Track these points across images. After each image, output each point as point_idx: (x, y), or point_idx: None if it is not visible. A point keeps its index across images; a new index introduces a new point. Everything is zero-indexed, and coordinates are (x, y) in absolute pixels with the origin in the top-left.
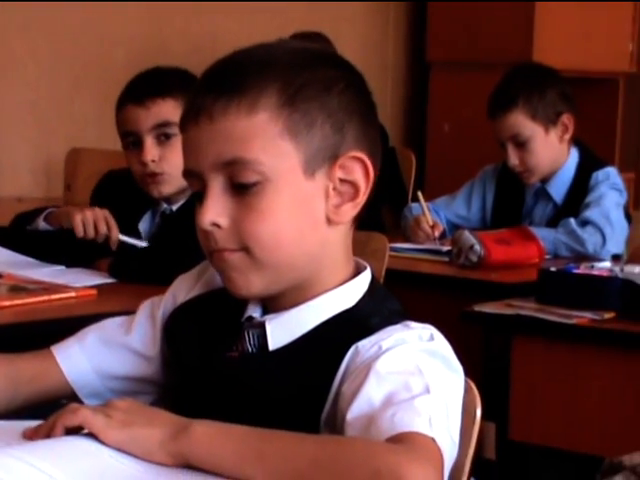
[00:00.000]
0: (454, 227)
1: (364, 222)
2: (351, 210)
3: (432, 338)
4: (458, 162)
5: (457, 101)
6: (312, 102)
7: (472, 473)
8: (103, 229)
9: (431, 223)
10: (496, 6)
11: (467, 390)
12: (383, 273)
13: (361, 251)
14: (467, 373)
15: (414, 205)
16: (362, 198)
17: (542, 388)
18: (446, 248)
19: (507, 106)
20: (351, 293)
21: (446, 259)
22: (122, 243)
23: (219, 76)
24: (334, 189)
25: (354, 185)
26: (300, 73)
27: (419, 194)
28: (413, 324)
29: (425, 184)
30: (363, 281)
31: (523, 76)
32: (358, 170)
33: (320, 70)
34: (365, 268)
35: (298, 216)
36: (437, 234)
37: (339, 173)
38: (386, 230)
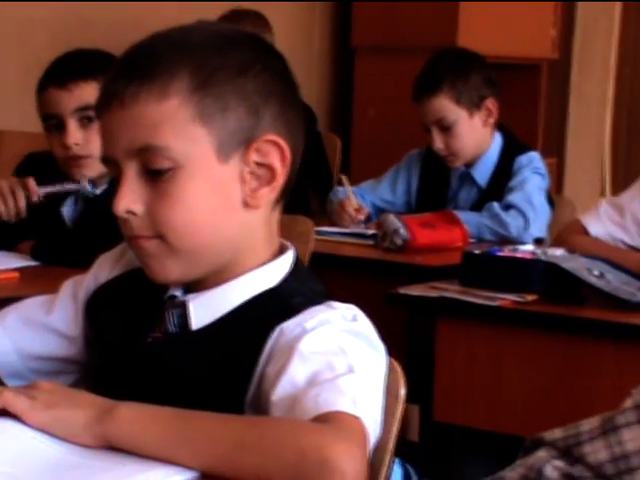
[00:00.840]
0: (379, 211)
1: (290, 206)
2: (269, 193)
3: (355, 318)
4: (384, 146)
5: (382, 86)
6: (225, 85)
7: (396, 453)
8: (20, 197)
9: (356, 207)
10: None
11: (391, 370)
12: (308, 256)
13: (286, 234)
14: (392, 355)
15: (339, 189)
16: (279, 181)
17: (466, 370)
18: (371, 232)
19: (432, 90)
20: (273, 273)
21: (371, 242)
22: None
23: (131, 61)
24: (250, 173)
25: (270, 168)
26: (213, 56)
27: (343, 178)
28: (336, 304)
29: (351, 168)
30: (286, 261)
31: (448, 60)
32: (274, 153)
33: (234, 53)
34: (289, 249)
35: (213, 201)
36: (362, 217)
37: (255, 157)
38: (313, 214)
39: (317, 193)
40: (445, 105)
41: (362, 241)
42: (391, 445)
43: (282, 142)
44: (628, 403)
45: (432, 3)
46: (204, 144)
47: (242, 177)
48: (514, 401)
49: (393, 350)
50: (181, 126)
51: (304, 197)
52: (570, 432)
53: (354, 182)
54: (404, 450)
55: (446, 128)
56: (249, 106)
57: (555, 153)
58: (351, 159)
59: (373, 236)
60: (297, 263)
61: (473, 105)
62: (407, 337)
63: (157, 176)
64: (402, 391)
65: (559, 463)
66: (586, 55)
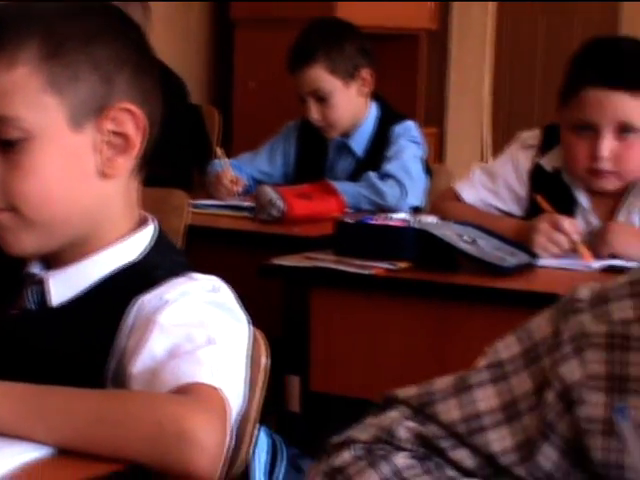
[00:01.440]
0: (258, 183)
1: (171, 180)
2: (125, 163)
3: (216, 289)
4: (264, 119)
5: (262, 58)
6: (76, 54)
7: (275, 423)
8: None
9: (232, 179)
10: None
11: (254, 340)
12: (184, 230)
13: (161, 208)
14: (270, 327)
15: (216, 162)
16: (135, 150)
17: (341, 339)
18: (248, 204)
19: (306, 61)
20: (134, 246)
21: (248, 215)
22: None
23: None
24: (105, 142)
25: (125, 137)
26: (63, 25)
27: (219, 150)
28: (197, 276)
29: (233, 141)
30: (146, 234)
31: (321, 31)
32: (129, 122)
33: (85, 21)
34: (149, 221)
35: (67, 172)
36: (239, 190)
37: (109, 125)
38: (193, 187)
39: (198, 166)
40: (320, 75)
41: (239, 213)
42: (254, 415)
43: (137, 110)
44: (482, 362)
45: None
46: (56, 113)
47: (97, 146)
48: (390, 368)
49: (271, 321)
50: (32, 96)
51: (184, 170)
52: (423, 390)
53: (236, 155)
54: (286, 421)
55: (322, 98)
56: (101, 74)
57: (435, 123)
58: (233, 132)
59: (250, 208)
60: (160, 236)
61: (348, 75)
62: (284, 308)
63: (8, 147)
64: (264, 360)
65: (411, 424)
66: (464, 25)
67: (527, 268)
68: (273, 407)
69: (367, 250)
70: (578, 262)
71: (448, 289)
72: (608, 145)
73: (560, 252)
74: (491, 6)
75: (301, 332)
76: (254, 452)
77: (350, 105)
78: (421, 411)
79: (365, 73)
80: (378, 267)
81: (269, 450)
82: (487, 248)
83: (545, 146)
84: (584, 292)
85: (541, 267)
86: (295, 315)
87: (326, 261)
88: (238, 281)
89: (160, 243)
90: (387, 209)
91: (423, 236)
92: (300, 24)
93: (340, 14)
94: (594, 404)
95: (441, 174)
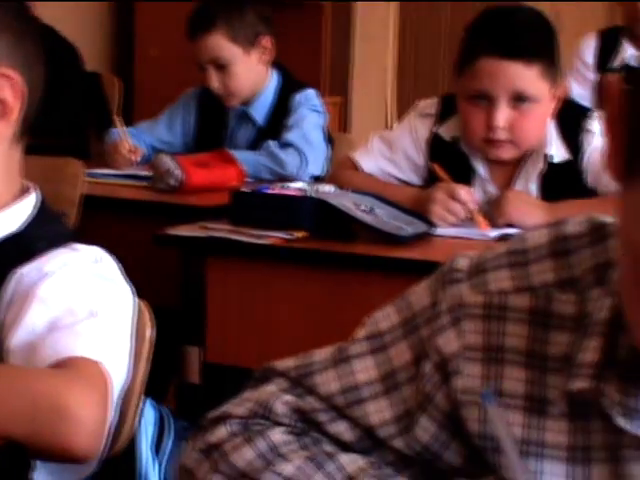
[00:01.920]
0: (158, 152)
1: (69, 148)
2: (3, 129)
3: (99, 260)
4: (166, 87)
5: (163, 25)
6: None
7: (175, 395)
8: None
9: (130, 148)
10: None
11: (139, 312)
12: (79, 199)
13: (55, 177)
14: (169, 298)
15: (113, 130)
16: (14, 116)
17: (238, 309)
18: (146, 173)
19: (206, 28)
20: (15, 217)
21: (146, 184)
22: None
23: None
24: None
25: (3, 102)
26: None
27: (116, 119)
28: (79, 246)
29: (134, 110)
30: (28, 204)
31: None
32: (7, 87)
33: None
34: (31, 190)
35: None
36: (137, 159)
37: None
38: (91, 156)
39: (96, 135)
40: (220, 43)
41: (137, 183)
42: (139, 388)
43: (15, 76)
44: (361, 333)
45: None
46: None
47: None
48: (287, 339)
49: (172, 292)
50: None
51: (80, 139)
52: (302, 362)
53: (137, 123)
54: (186, 393)
55: (222, 66)
56: None
57: (340, 92)
58: (134, 100)
59: (148, 177)
60: (43, 206)
61: (248, 43)
62: (181, 279)
63: None
64: (149, 332)
65: (289, 397)
66: None
67: (424, 237)
68: (173, 378)
69: (264, 220)
70: (475, 231)
71: (345, 258)
72: (503, 115)
73: (457, 221)
74: None
75: (198, 303)
76: (140, 426)
77: (250, 73)
78: (299, 383)
79: (266, 41)
80: (274, 237)
81: (156, 423)
82: (384, 217)
83: (443, 115)
84: (462, 262)
85: (438, 236)
86: (192, 286)
87: (221, 231)
88: (136, 251)
89: (42, 213)
90: (287, 178)
91: (320, 205)
92: None
93: None
94: (471, 375)
95: (343, 143)
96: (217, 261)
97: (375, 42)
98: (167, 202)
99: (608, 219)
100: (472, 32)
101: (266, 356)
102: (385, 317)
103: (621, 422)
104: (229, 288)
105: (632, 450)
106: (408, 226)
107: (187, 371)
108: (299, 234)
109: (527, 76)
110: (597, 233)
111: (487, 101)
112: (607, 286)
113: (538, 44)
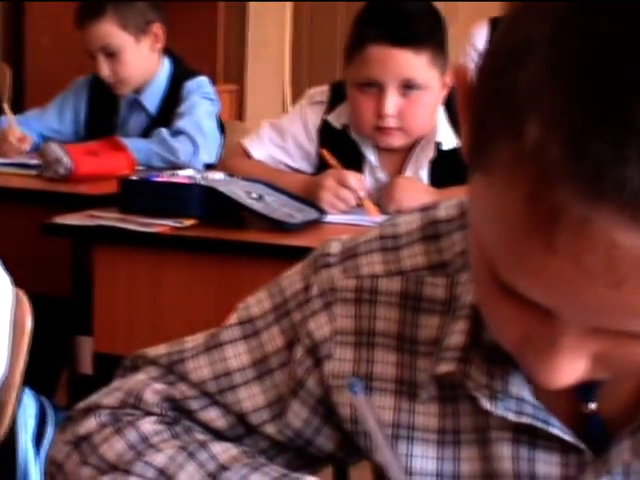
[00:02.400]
0: (48, 140)
1: None
2: None
3: None
4: (58, 75)
5: (54, 13)
6: None
7: (68, 386)
8: None
9: (19, 136)
10: None
11: (18, 302)
12: None
13: None
14: (61, 287)
15: (2, 118)
16: None
17: (126, 298)
18: (35, 162)
19: (95, 15)
20: None
21: (35, 173)
22: None
23: None
24: None
25: None
26: None
27: (5, 107)
28: None
29: (25, 98)
30: None
31: None
32: None
33: None
34: None
35: None
36: (26, 147)
37: None
38: None
39: None
40: (109, 31)
41: (26, 171)
42: (18, 379)
43: None
44: (233, 319)
45: None
46: None
47: None
48: (176, 327)
49: (63, 282)
50: None
51: None
52: (174, 348)
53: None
54: (79, 385)
55: (112, 54)
56: None
57: (236, 80)
58: (25, 88)
59: (37, 166)
60: None
61: (139, 30)
62: (72, 268)
63: None
64: (28, 324)
65: (159, 386)
66: None
67: (314, 224)
68: (64, 369)
69: (152, 208)
70: (365, 218)
71: (234, 246)
72: (393, 102)
73: (347, 208)
74: None
75: (88, 292)
76: (19, 418)
77: (141, 61)
78: (171, 370)
79: (156, 28)
80: (163, 225)
81: (37, 415)
82: (274, 204)
83: (333, 103)
84: (335, 246)
85: (328, 223)
86: (82, 275)
87: (110, 219)
88: (26, 240)
89: None
90: (179, 166)
91: (209, 193)
92: None
93: None
94: (342, 359)
95: (237, 131)
96: (105, 250)
97: (271, 30)
98: (56, 191)
99: None
100: (361, 19)
101: (155, 345)
102: (257, 302)
103: (486, 404)
104: (117, 277)
105: (498, 432)
106: (298, 213)
107: (79, 361)
108: (188, 222)
109: (416, 64)
110: (467, 216)
111: (377, 88)
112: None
113: (427, 32)
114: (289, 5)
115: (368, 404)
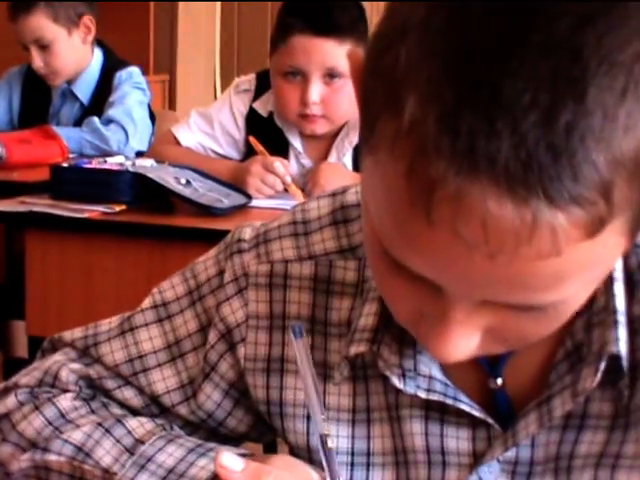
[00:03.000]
0: None
1: None
2: None
3: None
4: None
5: None
6: None
7: None
8: None
9: None
10: None
11: None
12: None
13: None
14: None
15: None
16: None
17: (58, 283)
18: None
19: (27, 9)
20: None
21: None
22: None
23: None
24: None
25: None
26: None
27: None
28: None
29: None
30: None
31: None
32: None
33: None
34: None
35: None
36: None
37: None
38: None
39: None
40: (41, 23)
41: None
42: None
43: None
44: (147, 302)
45: None
46: None
47: None
48: (107, 310)
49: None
50: None
51: None
52: (90, 332)
53: None
54: (15, 369)
55: (44, 46)
56: None
57: (167, 70)
58: None
59: None
60: None
61: (70, 22)
62: (5, 253)
63: None
64: None
65: (76, 365)
66: None
67: (241, 209)
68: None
69: (83, 194)
70: (290, 202)
71: (164, 230)
72: (317, 91)
73: (273, 193)
74: None
75: (20, 278)
76: None
77: (73, 53)
78: (86, 353)
79: (88, 20)
80: (94, 210)
81: None
82: (202, 190)
83: (259, 91)
84: (247, 232)
85: (255, 207)
86: (15, 260)
87: (41, 205)
88: None
89: None
90: (111, 154)
91: (138, 179)
92: None
93: None
94: (256, 343)
95: (168, 120)
96: (37, 235)
97: (201, 20)
98: None
99: None
100: (286, 10)
101: None
102: (171, 287)
103: (397, 383)
104: (49, 262)
105: (409, 409)
106: (225, 198)
107: (14, 345)
108: (118, 207)
109: (339, 53)
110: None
111: (301, 77)
112: None
113: (350, 22)
114: None
115: (304, 349)
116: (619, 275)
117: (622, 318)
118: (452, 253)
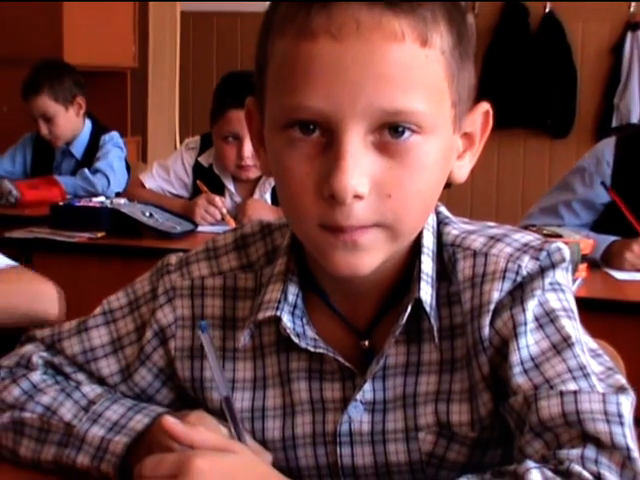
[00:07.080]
0: (2, 178)
1: None
2: None
3: None
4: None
5: (9, 89)
6: None
7: None
8: None
9: None
10: (25, 6)
11: None
12: None
13: None
14: None
15: None
16: None
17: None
18: None
19: (35, 92)
20: None
21: None
22: None
23: None
24: None
25: None
26: None
27: None
28: None
29: None
30: None
31: (46, 69)
32: None
33: None
34: None
35: None
36: None
37: None
38: None
39: None
40: (45, 103)
41: None
42: None
43: None
44: (98, 310)
45: (37, 18)
46: None
47: None
48: (91, 311)
49: None
50: None
51: None
52: (55, 330)
53: None
54: None
55: (49, 119)
56: None
57: (140, 133)
58: None
59: None
60: None
61: (67, 101)
62: None
63: None
64: None
65: (44, 354)
66: (158, 63)
67: (190, 233)
68: None
69: (74, 224)
70: (226, 228)
71: (134, 251)
72: (249, 148)
73: (214, 221)
74: (177, 48)
75: None
76: None
77: (70, 123)
78: (51, 346)
79: (80, 99)
80: (82, 236)
81: None
82: (162, 220)
83: (202, 148)
84: (173, 258)
85: (200, 232)
86: None
87: (44, 233)
88: None
89: None
90: (97, 195)
91: (115, 213)
92: (31, 63)
93: (66, 55)
94: (183, 337)
95: (140, 169)
96: (40, 255)
97: (163, 95)
98: (7, 214)
99: (274, 221)
100: (220, 90)
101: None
102: (116, 299)
103: (295, 339)
104: (49, 275)
105: (296, 373)
106: (178, 226)
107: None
108: (100, 234)
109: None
110: (265, 230)
111: (236, 139)
112: (273, 263)
113: None
114: (178, 78)
115: (208, 339)
116: (427, 250)
117: (427, 278)
118: (335, 60)
